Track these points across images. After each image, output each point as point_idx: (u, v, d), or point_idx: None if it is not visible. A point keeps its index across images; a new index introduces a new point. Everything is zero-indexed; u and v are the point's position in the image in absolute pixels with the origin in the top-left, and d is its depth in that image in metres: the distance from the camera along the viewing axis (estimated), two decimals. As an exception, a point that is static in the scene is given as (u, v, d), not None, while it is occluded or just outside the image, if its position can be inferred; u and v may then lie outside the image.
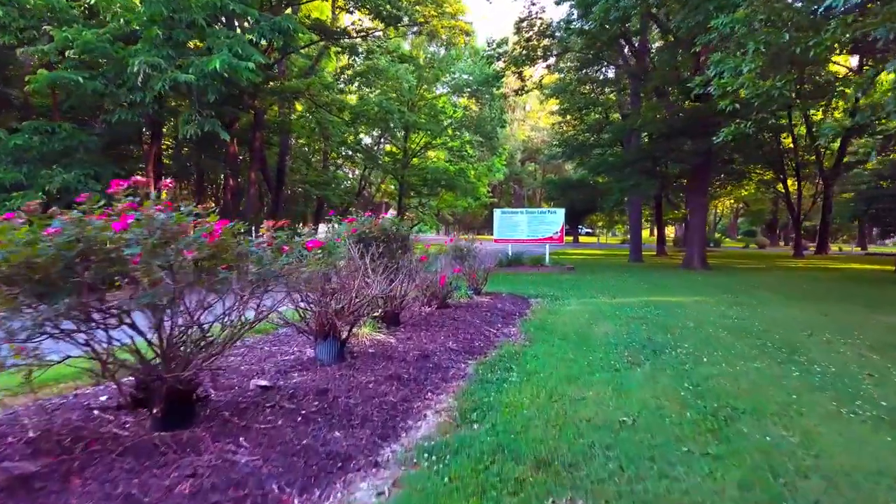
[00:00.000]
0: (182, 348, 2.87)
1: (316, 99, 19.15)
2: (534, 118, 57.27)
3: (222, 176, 21.47)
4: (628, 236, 61.44)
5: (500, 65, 20.05)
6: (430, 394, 3.77)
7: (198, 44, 10.94)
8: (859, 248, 43.80)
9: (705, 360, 4.88)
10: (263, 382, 3.62)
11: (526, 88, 20.46)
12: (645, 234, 69.43)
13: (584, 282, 12.20)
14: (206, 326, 2.98)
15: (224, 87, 12.60)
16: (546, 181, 42.55)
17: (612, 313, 7.44)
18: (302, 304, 4.26)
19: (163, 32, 9.29)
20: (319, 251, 4.30)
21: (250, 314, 3.20)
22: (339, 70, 18.13)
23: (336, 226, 5.49)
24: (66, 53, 9.58)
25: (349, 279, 4.37)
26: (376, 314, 5.44)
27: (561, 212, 16.57)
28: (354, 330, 5.05)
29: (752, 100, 8.86)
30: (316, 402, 3.38)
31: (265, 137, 22.61)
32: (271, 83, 18.73)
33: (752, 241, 49.35)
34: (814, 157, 28.98)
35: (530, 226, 16.61)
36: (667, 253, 27.83)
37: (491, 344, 5.36)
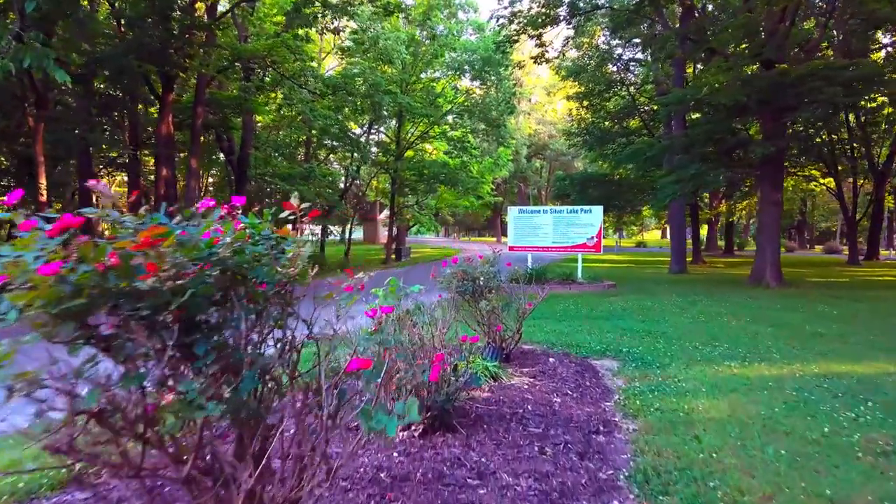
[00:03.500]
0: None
1: (280, 67, 15.08)
2: (540, 111, 53.25)
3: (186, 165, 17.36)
4: (642, 237, 57.44)
5: (513, 28, 15.96)
6: None
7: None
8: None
9: None
10: None
11: (546, 56, 16.35)
12: (655, 236, 65.18)
13: (651, 314, 8.13)
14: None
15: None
16: (559, 177, 38.55)
17: (816, 436, 3.35)
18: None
19: None
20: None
21: None
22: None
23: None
24: None
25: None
26: None
27: (598, 210, 12.48)
28: None
29: None
30: None
31: (226, 120, 18.68)
32: (218, 44, 14.67)
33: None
34: (861, 150, 25.04)
35: (557, 229, 12.53)
36: (704, 260, 23.76)
37: None
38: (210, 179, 29.86)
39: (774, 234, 13.88)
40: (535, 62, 16.76)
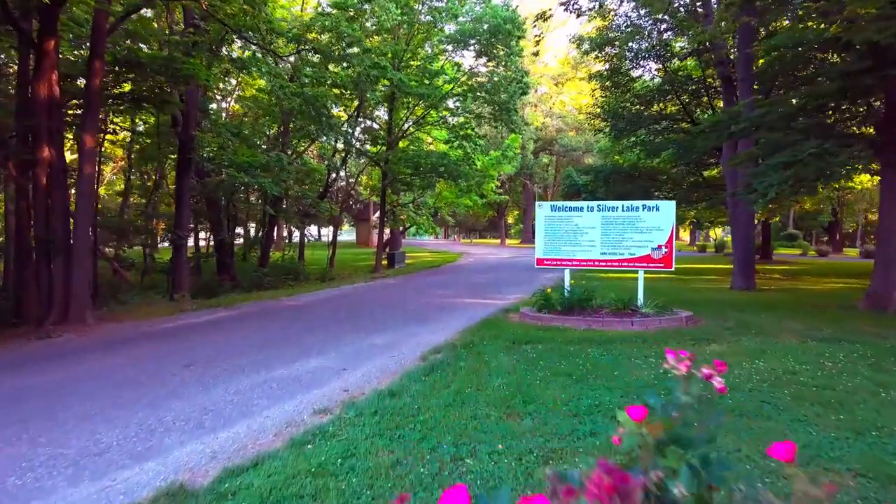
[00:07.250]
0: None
1: (220, 13, 11.15)
2: (548, 103, 49.31)
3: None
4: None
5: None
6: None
7: None
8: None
9: None
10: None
11: (578, 5, 12.38)
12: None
13: (848, 409, 4.15)
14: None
15: None
16: (569, 172, 34.49)
17: None
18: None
19: None
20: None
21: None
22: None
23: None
24: None
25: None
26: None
27: (669, 208, 8.51)
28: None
29: None
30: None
31: (169, 92, 14.71)
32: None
33: (810, 248, 41.08)
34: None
35: (609, 234, 8.57)
36: (755, 269, 19.76)
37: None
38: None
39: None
40: (565, 9, 12.83)
